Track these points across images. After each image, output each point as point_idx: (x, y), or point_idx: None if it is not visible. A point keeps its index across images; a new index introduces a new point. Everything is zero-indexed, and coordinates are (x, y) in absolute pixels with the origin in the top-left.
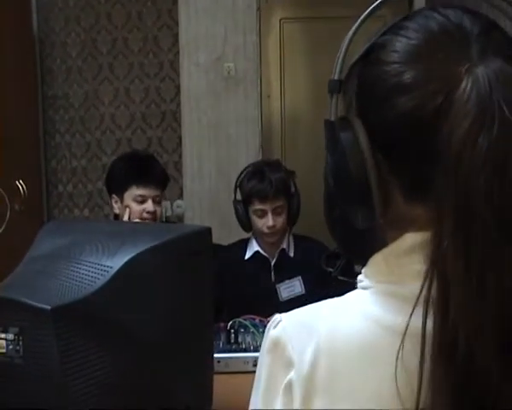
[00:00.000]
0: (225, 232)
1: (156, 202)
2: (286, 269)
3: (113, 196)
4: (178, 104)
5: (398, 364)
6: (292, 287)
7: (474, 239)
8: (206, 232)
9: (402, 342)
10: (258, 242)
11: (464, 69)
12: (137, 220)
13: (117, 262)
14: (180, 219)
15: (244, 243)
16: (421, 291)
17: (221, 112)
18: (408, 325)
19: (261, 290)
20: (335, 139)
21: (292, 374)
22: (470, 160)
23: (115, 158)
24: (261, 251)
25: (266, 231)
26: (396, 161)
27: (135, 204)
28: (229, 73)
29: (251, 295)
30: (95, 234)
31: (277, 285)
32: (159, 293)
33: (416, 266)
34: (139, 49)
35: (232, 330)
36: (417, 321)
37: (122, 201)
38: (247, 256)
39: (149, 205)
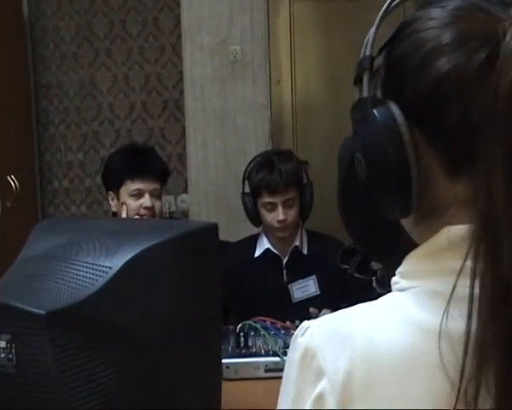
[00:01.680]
0: (234, 228)
1: (155, 196)
2: (299, 268)
3: (110, 192)
4: (181, 92)
5: (442, 367)
6: (305, 287)
7: None
8: (212, 228)
9: (439, 342)
10: (268, 238)
11: (507, 24)
12: (136, 217)
13: (116, 262)
14: (185, 214)
15: (254, 240)
16: (464, 261)
17: (227, 99)
18: (443, 324)
19: (272, 291)
20: (368, 117)
21: (323, 384)
22: None
23: (112, 151)
24: (272, 248)
25: (276, 225)
26: (435, 133)
27: (131, 200)
28: (235, 56)
29: (261, 296)
30: (92, 232)
31: (290, 285)
32: (161, 295)
33: (459, 263)
34: (138, 33)
35: (241, 334)
36: (458, 322)
37: (118, 198)
38: (256, 254)
39: (146, 200)
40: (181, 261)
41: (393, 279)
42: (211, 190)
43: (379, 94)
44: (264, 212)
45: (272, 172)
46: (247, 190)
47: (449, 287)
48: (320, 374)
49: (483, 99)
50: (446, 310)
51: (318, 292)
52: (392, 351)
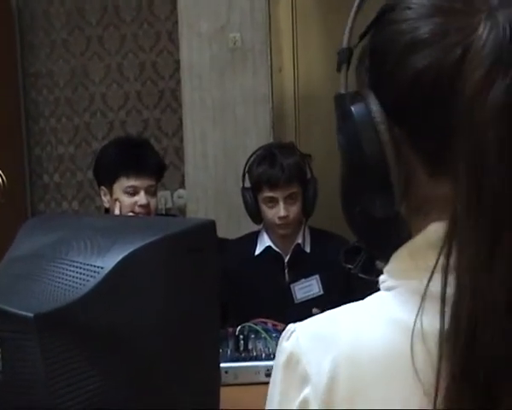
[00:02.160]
0: (234, 226)
1: (150, 193)
2: (301, 266)
3: (102, 187)
4: (178, 81)
5: (423, 370)
6: (308, 287)
7: (486, 199)
8: (210, 226)
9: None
10: (269, 235)
11: (484, 16)
12: (130, 215)
13: (109, 262)
14: (182, 211)
15: (254, 237)
16: (437, 261)
17: (226, 89)
18: (417, 322)
19: (274, 291)
20: (346, 114)
21: (307, 390)
22: (480, 111)
23: (105, 144)
24: (273, 246)
25: (278, 222)
26: (415, 132)
27: (125, 197)
28: (234, 43)
29: (262, 297)
30: (83, 230)
31: (292, 285)
32: (156, 296)
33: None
34: (132, 19)
35: (241, 336)
36: (432, 320)
37: (111, 193)
38: (257, 252)
39: (142, 197)
40: (177, 261)
41: (381, 278)
42: (209, 185)
43: (366, 75)
44: (264, 208)
45: (273, 166)
46: (248, 184)
47: (431, 285)
48: (305, 379)
49: (458, 101)
50: (421, 308)
51: (322, 292)
52: (376, 354)
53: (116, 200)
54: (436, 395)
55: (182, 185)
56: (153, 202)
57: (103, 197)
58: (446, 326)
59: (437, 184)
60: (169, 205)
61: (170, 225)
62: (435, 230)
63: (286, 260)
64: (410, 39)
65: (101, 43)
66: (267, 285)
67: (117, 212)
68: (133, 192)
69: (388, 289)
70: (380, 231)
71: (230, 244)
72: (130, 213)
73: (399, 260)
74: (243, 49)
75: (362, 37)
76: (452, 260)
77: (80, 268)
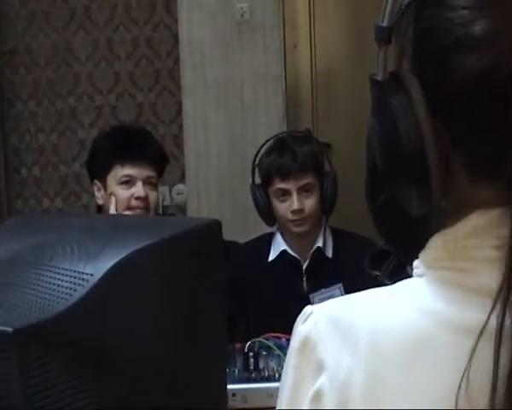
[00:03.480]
0: (241, 226)
1: (149, 184)
2: (322, 274)
3: (96, 182)
4: (177, 60)
5: (469, 368)
6: (330, 297)
7: None
8: (214, 227)
9: (477, 342)
10: (284, 238)
11: None
12: (127, 213)
13: (99, 268)
14: (182, 209)
15: (267, 241)
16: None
17: (232, 68)
18: (486, 322)
19: (289, 302)
20: (384, 101)
21: (323, 379)
22: None
23: (99, 133)
24: (289, 251)
25: (291, 217)
26: (460, 132)
27: (120, 189)
28: (242, 16)
29: (276, 308)
30: (69, 232)
31: (311, 295)
32: (152, 307)
33: (485, 251)
34: None
35: (251, 353)
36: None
37: (105, 187)
38: (271, 257)
39: (139, 188)
40: (176, 267)
41: (415, 263)
42: (213, 179)
43: (407, 55)
44: (276, 202)
45: (283, 154)
46: (258, 180)
47: (474, 278)
48: (320, 367)
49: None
50: (493, 309)
51: None
52: (399, 339)
53: (111, 194)
54: (494, 393)
55: (181, 180)
56: (152, 195)
57: (97, 193)
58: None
59: (478, 190)
60: (167, 202)
61: (168, 226)
62: (475, 220)
63: (304, 267)
64: (462, 34)
65: (88, 15)
66: (282, 295)
67: (112, 209)
68: (129, 183)
69: (420, 275)
70: (413, 231)
71: (240, 249)
72: (127, 211)
73: (434, 248)
74: (252, 23)
75: (404, 11)
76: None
77: (66, 276)
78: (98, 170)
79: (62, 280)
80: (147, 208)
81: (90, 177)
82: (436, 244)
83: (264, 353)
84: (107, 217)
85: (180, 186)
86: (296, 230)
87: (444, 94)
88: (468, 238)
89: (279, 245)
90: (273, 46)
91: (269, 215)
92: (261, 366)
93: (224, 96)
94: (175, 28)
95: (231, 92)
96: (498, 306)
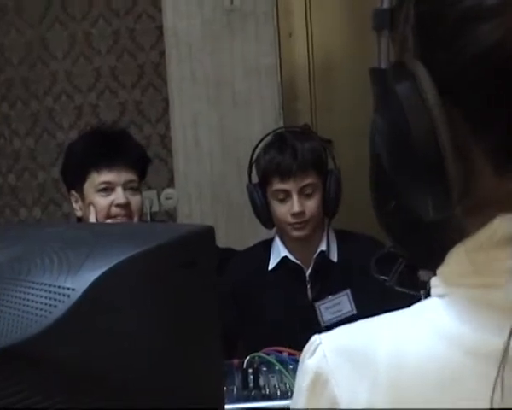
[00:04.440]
0: (236, 232)
1: (131, 189)
2: (328, 280)
3: (73, 192)
4: (162, 53)
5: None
6: (337, 305)
7: None
8: (207, 233)
9: (500, 369)
10: (285, 243)
11: None
12: (109, 221)
13: (81, 282)
14: (172, 215)
15: (266, 247)
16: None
17: (223, 61)
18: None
19: (293, 312)
20: (388, 92)
21: None
22: None
23: (73, 139)
24: (290, 257)
25: (291, 220)
26: (480, 118)
27: (99, 197)
28: (232, 3)
29: (278, 320)
30: (49, 243)
31: (317, 304)
32: (140, 322)
33: (508, 263)
34: None
35: (250, 370)
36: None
37: (83, 197)
38: (271, 265)
39: (119, 195)
40: (165, 278)
41: (432, 281)
42: (204, 181)
43: (411, 41)
44: (274, 204)
45: (283, 151)
46: (255, 180)
47: (503, 293)
48: (334, 405)
49: None
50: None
51: (354, 312)
52: (423, 374)
53: (89, 204)
54: None
55: (170, 183)
56: (135, 201)
57: (75, 205)
58: None
59: (503, 182)
60: (155, 208)
61: (156, 234)
62: (500, 226)
63: (307, 273)
64: (473, 5)
65: (64, 8)
66: (284, 305)
67: (92, 219)
68: (108, 190)
69: (440, 296)
70: (426, 234)
71: (238, 257)
72: (109, 221)
73: (455, 261)
74: (243, 11)
75: None
76: None
77: (46, 291)
78: (74, 179)
79: (41, 296)
80: (129, 215)
81: (66, 187)
82: (457, 257)
83: (265, 369)
84: (90, 225)
85: (169, 191)
86: (296, 234)
87: (457, 76)
88: (495, 249)
89: (279, 251)
90: (266, 35)
91: (267, 218)
92: (261, 383)
93: (214, 91)
94: (159, 19)
95: (222, 87)
96: None
